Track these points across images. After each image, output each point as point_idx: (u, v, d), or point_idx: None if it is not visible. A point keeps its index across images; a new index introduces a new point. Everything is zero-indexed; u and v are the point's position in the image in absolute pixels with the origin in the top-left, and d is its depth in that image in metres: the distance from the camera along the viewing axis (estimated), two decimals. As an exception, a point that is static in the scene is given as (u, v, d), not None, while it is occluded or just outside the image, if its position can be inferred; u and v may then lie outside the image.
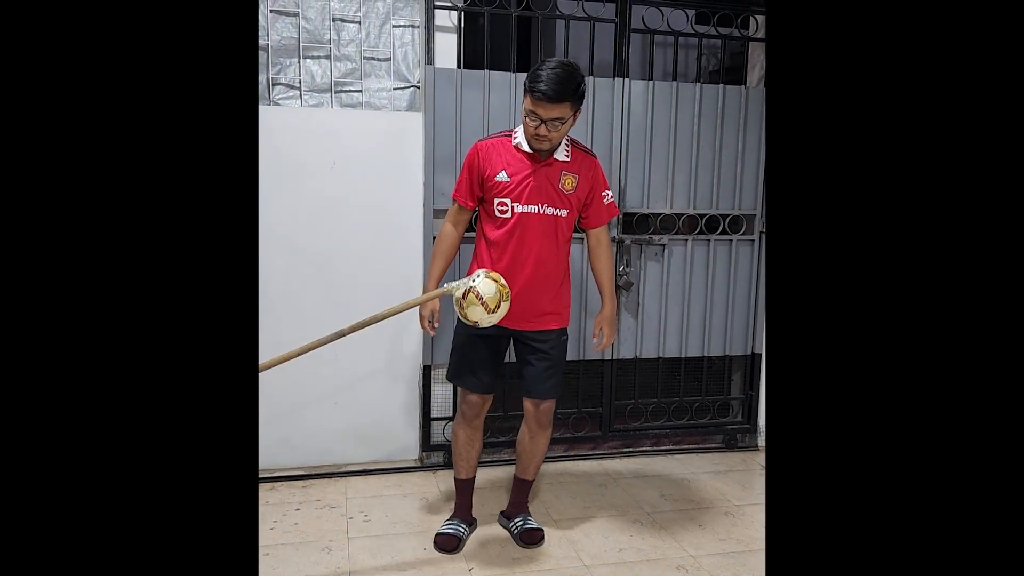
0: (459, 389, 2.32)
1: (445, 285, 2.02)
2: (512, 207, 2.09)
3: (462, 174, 2.18)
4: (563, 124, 2.00)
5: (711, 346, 3.17)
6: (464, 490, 2.37)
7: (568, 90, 1.95)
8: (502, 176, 2.09)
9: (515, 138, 2.11)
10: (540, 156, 2.09)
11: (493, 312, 1.97)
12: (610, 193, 2.24)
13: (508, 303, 2.00)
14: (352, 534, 2.36)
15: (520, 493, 2.39)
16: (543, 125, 1.98)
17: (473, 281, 1.97)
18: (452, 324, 2.30)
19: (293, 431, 2.81)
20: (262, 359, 2.65)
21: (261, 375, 2.70)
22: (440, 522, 2.39)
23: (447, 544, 2.26)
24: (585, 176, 2.15)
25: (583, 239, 2.87)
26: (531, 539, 2.31)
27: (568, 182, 2.12)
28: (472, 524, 2.39)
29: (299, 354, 1.87)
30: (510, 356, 2.31)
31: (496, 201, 2.11)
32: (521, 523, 2.35)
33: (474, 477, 2.38)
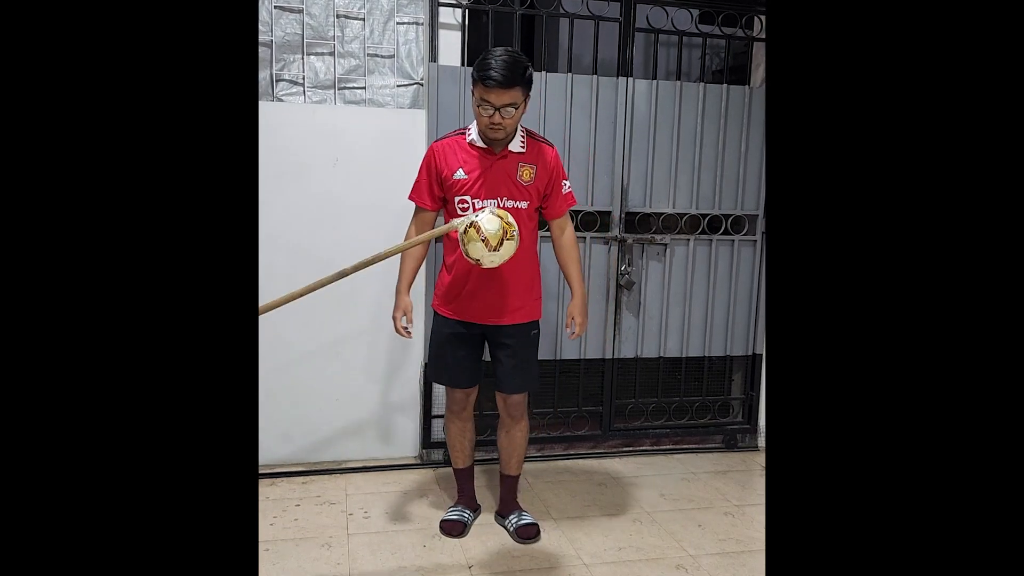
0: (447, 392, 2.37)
1: (454, 222, 1.91)
2: (472, 203, 2.10)
3: (419, 176, 2.19)
4: (516, 110, 2.01)
5: (712, 346, 3.17)
6: (464, 478, 2.44)
7: (517, 74, 1.97)
8: (459, 174, 2.10)
9: (469, 135, 2.12)
10: (495, 148, 2.09)
11: (495, 251, 1.83)
12: (568, 183, 2.24)
13: (515, 243, 1.86)
14: (352, 530, 2.37)
15: (508, 490, 2.41)
16: (496, 113, 1.99)
17: (477, 216, 1.86)
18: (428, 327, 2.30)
19: (293, 427, 2.81)
20: (264, 355, 2.66)
21: (261, 373, 2.71)
22: (439, 518, 2.39)
23: (453, 529, 2.32)
24: (543, 166, 2.15)
25: (585, 239, 2.89)
26: (527, 534, 2.32)
27: (526, 173, 2.12)
28: (476, 510, 2.46)
29: (301, 295, 1.86)
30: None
31: (457, 200, 2.12)
32: (516, 519, 2.36)
33: (472, 465, 2.45)
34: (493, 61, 1.96)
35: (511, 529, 2.35)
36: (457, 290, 2.19)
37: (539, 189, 2.16)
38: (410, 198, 2.22)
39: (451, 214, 2.16)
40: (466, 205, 2.10)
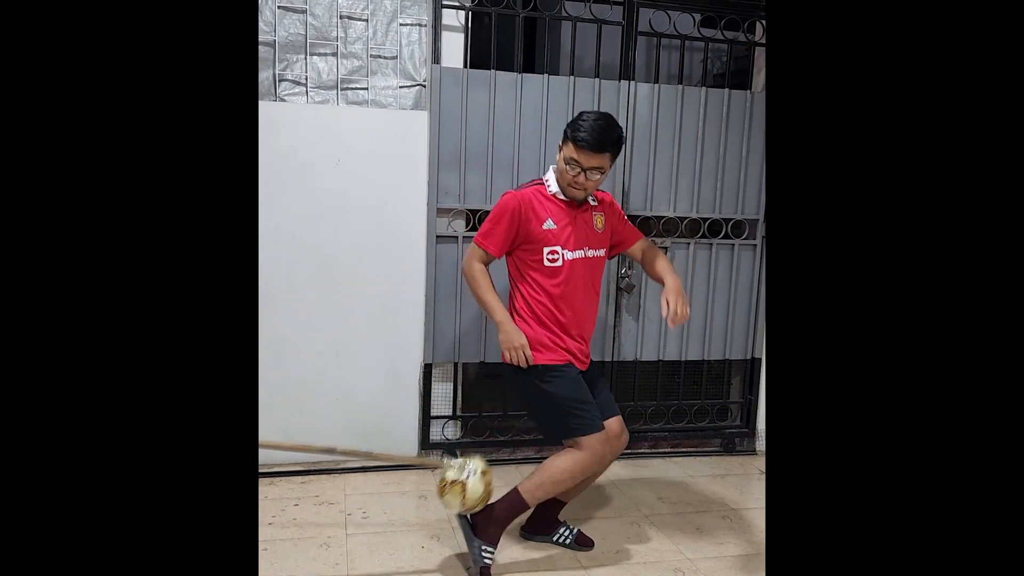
0: (586, 443, 2.09)
1: (446, 461, 2.06)
2: (563, 254, 2.09)
3: (499, 224, 2.08)
4: (601, 174, 2.04)
5: (711, 350, 3.17)
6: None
7: (609, 141, 1.99)
8: (549, 224, 2.08)
9: (549, 187, 2.11)
10: (576, 203, 2.12)
11: (468, 509, 2.04)
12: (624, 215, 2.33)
13: (486, 500, 2.04)
14: (350, 531, 2.37)
15: (552, 510, 2.32)
16: (583, 174, 2.01)
17: (466, 476, 2.00)
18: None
19: (293, 426, 2.81)
20: (264, 355, 2.67)
21: (261, 373, 2.71)
22: (437, 519, 2.39)
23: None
24: (608, 213, 2.22)
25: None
26: (586, 541, 2.33)
27: (599, 221, 2.18)
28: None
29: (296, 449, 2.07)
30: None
31: (547, 250, 2.08)
32: (567, 532, 2.33)
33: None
34: (587, 123, 1.98)
35: (569, 541, 2.31)
36: (564, 333, 2.13)
37: (608, 235, 2.22)
38: (478, 242, 2.11)
39: (531, 266, 2.10)
40: (556, 255, 2.08)
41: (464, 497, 1.98)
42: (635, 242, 2.30)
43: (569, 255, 2.10)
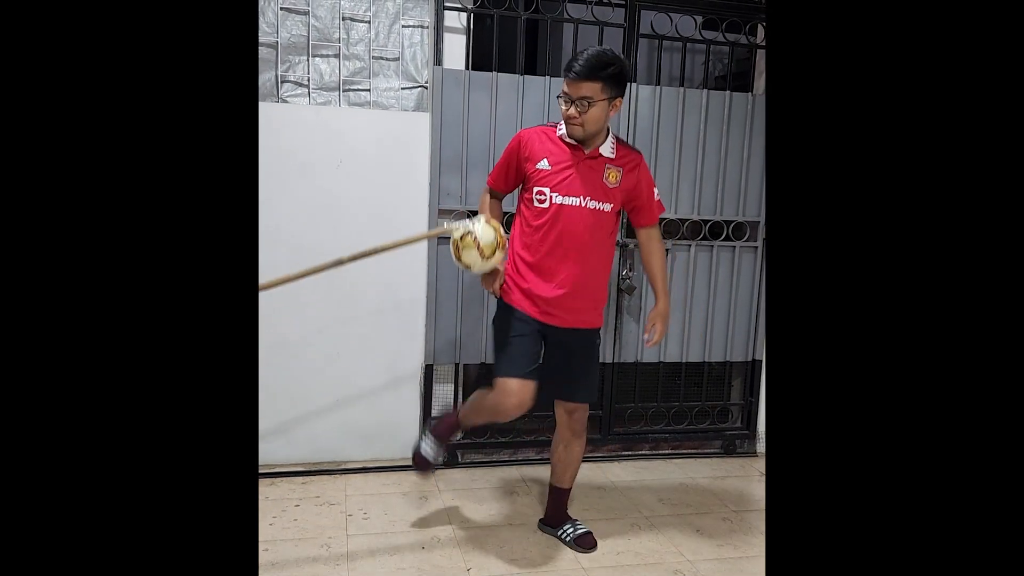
0: (498, 383, 2.15)
1: (445, 224, 2.03)
2: (550, 197, 2.06)
3: (501, 159, 2.18)
4: (592, 106, 1.98)
5: (712, 351, 3.17)
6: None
7: (596, 67, 1.96)
8: (543, 164, 2.08)
9: (559, 129, 2.11)
10: (584, 148, 2.07)
11: (487, 259, 2.00)
12: (657, 191, 2.22)
13: (504, 253, 2.03)
14: (351, 531, 2.37)
15: (561, 502, 2.39)
16: (572, 105, 1.99)
17: (473, 225, 1.98)
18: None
19: (293, 427, 2.82)
20: (264, 355, 2.67)
21: (261, 373, 2.71)
22: (438, 520, 2.40)
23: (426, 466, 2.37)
24: (630, 170, 2.13)
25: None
26: (587, 543, 2.31)
27: (612, 176, 2.09)
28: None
29: (297, 278, 1.93)
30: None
31: (535, 190, 2.09)
32: (572, 530, 2.35)
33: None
34: (579, 54, 2.00)
35: (568, 539, 2.33)
36: (538, 281, 2.11)
37: (624, 192, 2.13)
38: (489, 183, 2.24)
39: (526, 204, 2.13)
40: (543, 197, 2.07)
41: (479, 245, 1.96)
42: (645, 225, 2.24)
43: (558, 199, 2.06)
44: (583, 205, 2.07)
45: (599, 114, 2.01)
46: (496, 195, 2.25)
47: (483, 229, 1.97)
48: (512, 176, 2.16)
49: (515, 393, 2.10)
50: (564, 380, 2.21)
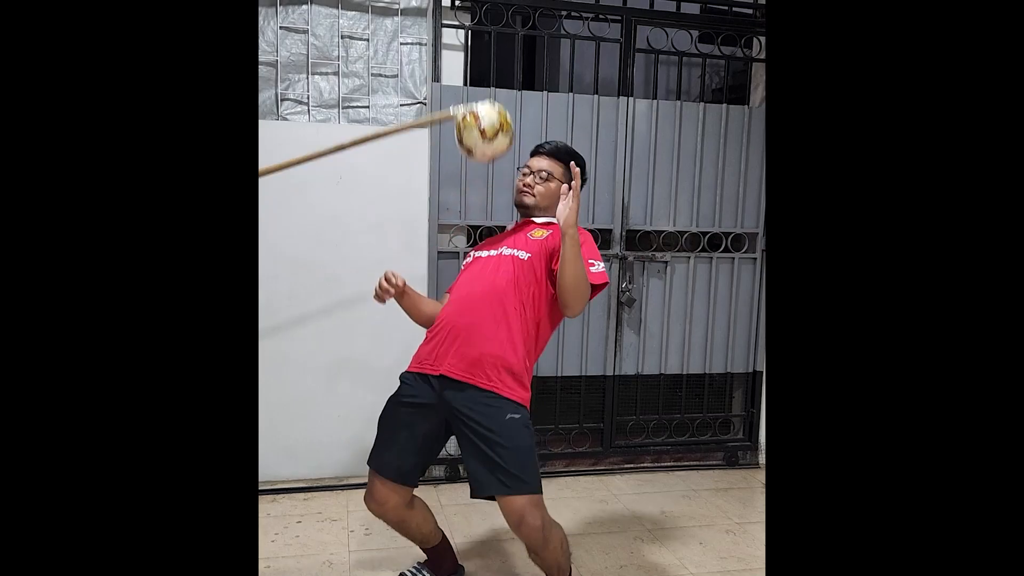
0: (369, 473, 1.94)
1: (450, 109, 1.93)
2: (474, 255, 2.02)
3: None
4: (548, 181, 1.95)
5: (713, 363, 3.18)
6: (430, 553, 2.14)
7: (563, 152, 1.98)
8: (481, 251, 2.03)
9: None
10: (521, 214, 2.04)
11: (489, 141, 1.85)
12: (601, 264, 1.89)
13: (508, 140, 1.88)
14: (353, 547, 2.37)
15: None
16: (532, 175, 1.97)
17: (476, 106, 1.90)
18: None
19: (295, 443, 2.82)
20: (266, 371, 2.68)
21: (263, 389, 2.71)
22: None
23: None
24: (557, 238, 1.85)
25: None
26: None
27: (538, 232, 1.94)
28: (455, 573, 2.17)
29: (298, 163, 1.89)
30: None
31: (464, 263, 2.07)
32: None
33: (437, 544, 2.12)
34: (549, 141, 2.03)
35: None
36: (435, 331, 1.92)
37: (547, 247, 1.88)
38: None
39: None
40: (469, 259, 2.03)
41: (481, 126, 1.85)
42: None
43: (478, 253, 2.01)
44: (499, 254, 1.92)
45: (552, 191, 1.96)
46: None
47: (487, 109, 1.88)
48: None
49: (370, 493, 1.94)
50: (471, 469, 1.82)
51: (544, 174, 1.97)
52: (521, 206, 2.00)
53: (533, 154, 2.02)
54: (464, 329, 1.83)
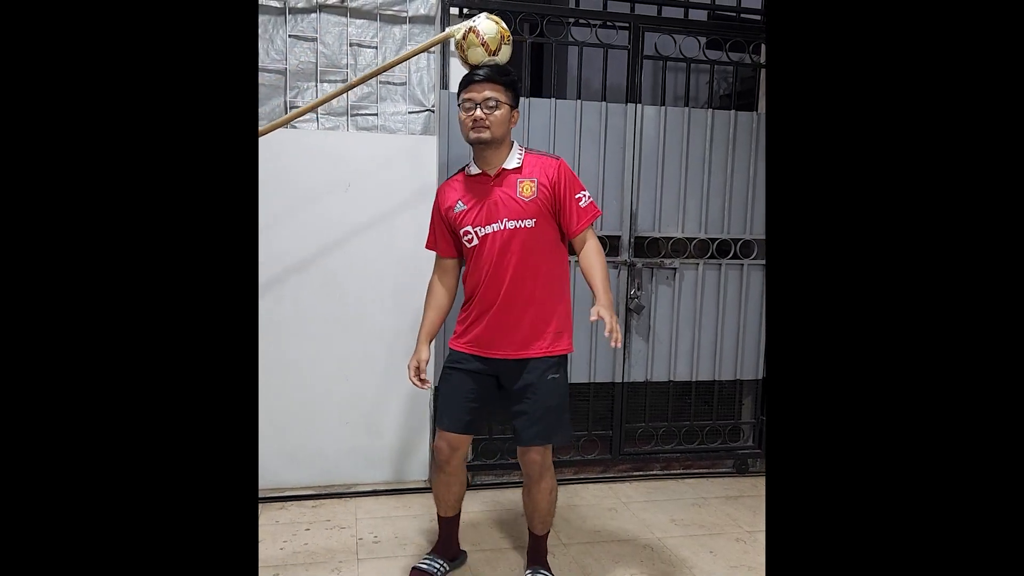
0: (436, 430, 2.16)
1: (447, 29, 1.97)
2: (475, 232, 1.99)
3: (430, 223, 2.14)
4: (498, 109, 1.92)
5: (722, 370, 3.16)
6: (444, 526, 2.26)
7: (498, 73, 1.94)
8: (459, 206, 2.02)
9: (468, 169, 2.05)
10: (488, 171, 1.99)
11: (493, 55, 1.94)
12: (587, 194, 2.02)
13: (510, 47, 1.98)
14: (362, 555, 2.36)
15: (532, 548, 2.23)
16: (478, 108, 1.91)
17: (474, 21, 1.93)
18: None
19: (303, 450, 2.82)
20: (274, 378, 2.68)
21: (271, 396, 2.71)
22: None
23: None
24: (544, 178, 1.98)
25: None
26: None
27: (526, 188, 1.96)
28: (456, 558, 2.29)
29: (307, 111, 1.98)
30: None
31: (462, 232, 2.03)
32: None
33: (456, 515, 2.25)
34: (477, 67, 1.98)
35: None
36: (476, 316, 2.03)
37: (544, 202, 1.97)
38: (427, 247, 2.17)
39: (465, 255, 2.07)
40: (470, 235, 2.00)
41: (482, 40, 1.91)
42: (571, 235, 2.03)
43: (482, 231, 1.98)
44: (503, 228, 1.96)
45: (504, 116, 1.94)
46: (443, 264, 2.15)
47: (484, 23, 1.91)
48: (445, 232, 2.10)
49: (439, 448, 2.11)
50: (513, 419, 2.07)
51: (492, 102, 1.92)
52: (480, 143, 1.95)
53: (468, 84, 1.94)
54: (511, 316, 1.99)
